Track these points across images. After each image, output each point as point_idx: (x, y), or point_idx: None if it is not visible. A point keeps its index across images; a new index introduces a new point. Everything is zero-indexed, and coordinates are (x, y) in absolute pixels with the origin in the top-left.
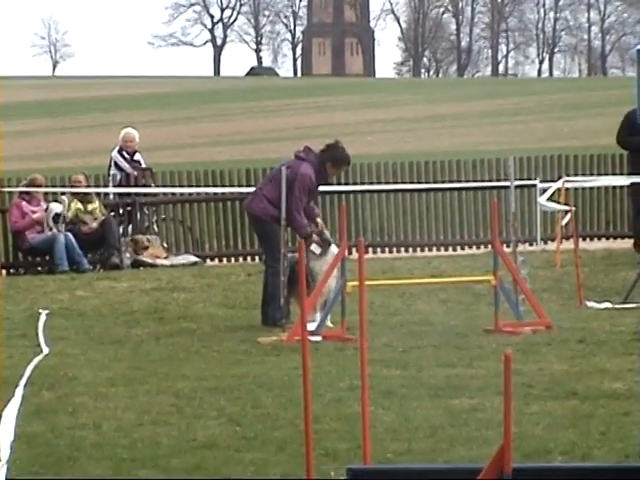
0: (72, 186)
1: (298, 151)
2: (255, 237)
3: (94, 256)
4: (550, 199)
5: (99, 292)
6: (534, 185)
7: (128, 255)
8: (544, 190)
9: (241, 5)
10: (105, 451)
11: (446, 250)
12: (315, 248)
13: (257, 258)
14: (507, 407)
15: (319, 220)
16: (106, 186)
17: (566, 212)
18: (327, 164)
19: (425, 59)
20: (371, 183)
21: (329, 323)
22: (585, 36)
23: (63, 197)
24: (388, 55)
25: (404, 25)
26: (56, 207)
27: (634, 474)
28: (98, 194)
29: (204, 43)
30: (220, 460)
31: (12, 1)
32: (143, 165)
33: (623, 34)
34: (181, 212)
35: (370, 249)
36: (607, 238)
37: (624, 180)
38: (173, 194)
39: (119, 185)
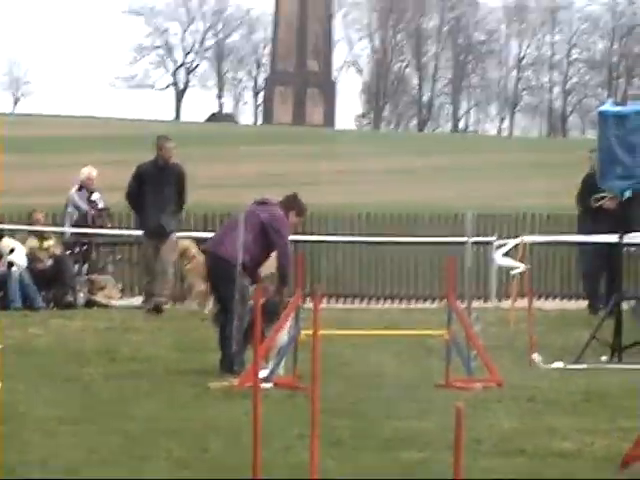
0: (30, 223)
1: (259, 199)
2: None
3: (48, 294)
4: (507, 256)
5: (52, 330)
6: (490, 242)
7: (82, 294)
8: (498, 248)
9: (205, 50)
10: None
11: (400, 303)
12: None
13: (211, 302)
14: (457, 461)
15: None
16: (63, 224)
17: (518, 269)
18: (290, 213)
19: (386, 112)
20: (328, 233)
21: (281, 371)
22: (546, 96)
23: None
24: (349, 107)
25: (366, 77)
26: (16, 256)
27: None
28: (54, 232)
29: (166, 87)
30: None
31: None
32: (100, 205)
33: (584, 96)
34: (136, 254)
35: (325, 299)
36: (562, 298)
37: (584, 238)
38: (129, 235)
39: (76, 224)
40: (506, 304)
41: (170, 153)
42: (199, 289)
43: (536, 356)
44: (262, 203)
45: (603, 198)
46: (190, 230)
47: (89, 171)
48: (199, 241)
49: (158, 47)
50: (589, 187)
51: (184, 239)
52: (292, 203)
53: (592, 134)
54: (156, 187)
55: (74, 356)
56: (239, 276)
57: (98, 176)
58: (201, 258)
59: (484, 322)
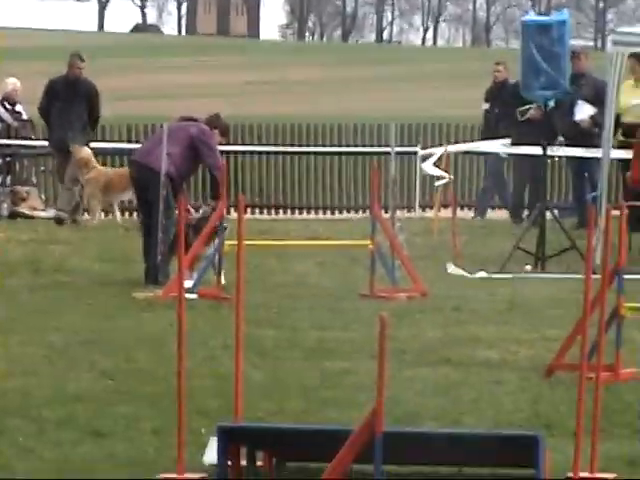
0: None
1: (186, 115)
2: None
3: None
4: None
5: None
6: (415, 152)
7: (6, 206)
8: (424, 158)
9: None
10: None
11: (324, 214)
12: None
13: (135, 214)
14: (381, 371)
15: None
16: None
17: (439, 178)
18: (214, 132)
19: (310, 23)
20: (252, 144)
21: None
22: (470, 6)
23: None
24: (273, 17)
25: None
26: None
27: (503, 442)
28: None
29: None
30: (91, 413)
31: None
32: (24, 117)
33: (508, 6)
34: None
35: (249, 210)
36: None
37: (508, 149)
38: None
39: None
40: (430, 214)
41: (79, 71)
42: (95, 199)
43: (451, 266)
44: (189, 119)
45: (528, 110)
46: (114, 141)
47: (14, 82)
48: (123, 152)
49: None
50: (511, 98)
51: (84, 149)
52: (216, 122)
53: (516, 44)
54: (65, 102)
55: None
56: (164, 186)
57: (22, 86)
58: (101, 169)
59: (408, 232)
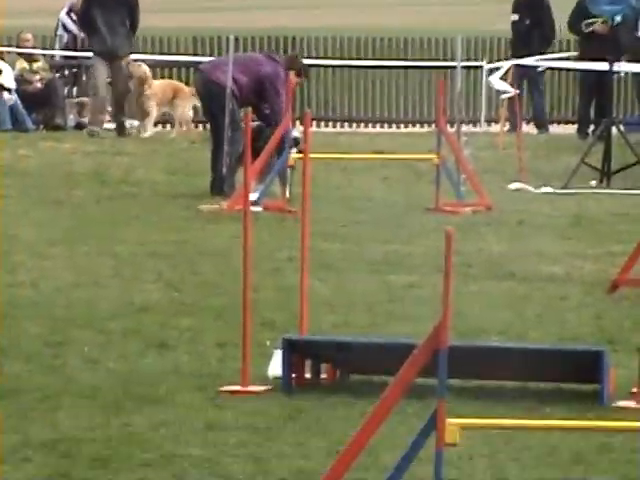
0: (18, 45)
1: (268, 52)
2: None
3: (38, 116)
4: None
5: (42, 152)
6: (480, 66)
7: (72, 117)
8: (490, 71)
9: None
10: (42, 310)
11: (390, 127)
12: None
13: (201, 126)
14: (446, 285)
15: None
16: (53, 47)
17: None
18: (291, 73)
19: None
20: (317, 57)
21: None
22: None
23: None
24: None
25: None
26: (5, 79)
27: (568, 357)
28: (44, 54)
29: None
30: (157, 325)
31: None
32: None
33: None
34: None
35: (314, 123)
36: (551, 123)
37: (574, 64)
38: None
39: (66, 47)
40: (495, 128)
41: None
42: (153, 114)
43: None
44: (269, 57)
45: (594, 23)
46: (179, 54)
47: None
48: (188, 64)
49: None
50: (580, 12)
51: (141, 64)
52: (293, 63)
53: None
54: (105, 9)
55: (64, 178)
56: (229, 100)
57: None
58: (158, 84)
59: (473, 146)
